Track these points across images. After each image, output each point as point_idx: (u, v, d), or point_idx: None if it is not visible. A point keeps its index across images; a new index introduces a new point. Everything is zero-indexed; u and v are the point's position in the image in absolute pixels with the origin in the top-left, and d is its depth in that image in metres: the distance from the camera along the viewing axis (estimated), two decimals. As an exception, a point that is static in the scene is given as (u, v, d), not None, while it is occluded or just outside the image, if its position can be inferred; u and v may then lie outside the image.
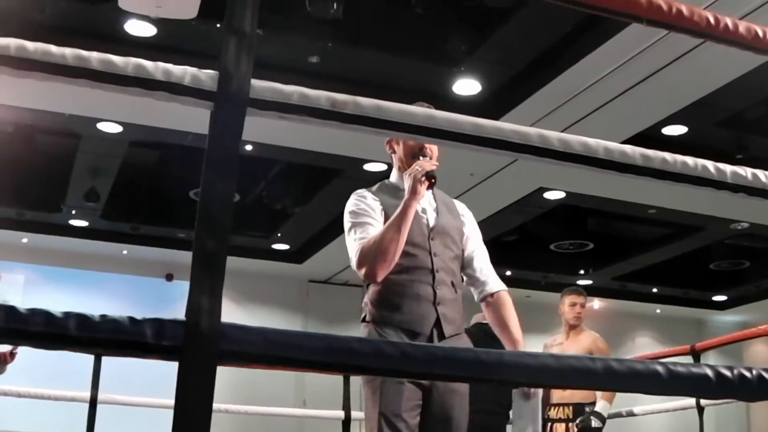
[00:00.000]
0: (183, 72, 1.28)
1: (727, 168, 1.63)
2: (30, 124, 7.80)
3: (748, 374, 1.51)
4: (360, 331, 3.15)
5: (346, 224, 3.16)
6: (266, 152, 8.17)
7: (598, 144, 1.51)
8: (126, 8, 5.39)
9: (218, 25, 5.89)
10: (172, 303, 11.88)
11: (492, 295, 3.32)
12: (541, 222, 10.53)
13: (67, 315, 1.17)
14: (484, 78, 6.98)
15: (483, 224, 10.47)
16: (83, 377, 5.62)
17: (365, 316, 3.14)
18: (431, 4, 5.94)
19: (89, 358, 5.45)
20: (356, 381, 3.66)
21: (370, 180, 3.57)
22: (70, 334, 1.16)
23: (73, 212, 10.55)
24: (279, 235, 11.47)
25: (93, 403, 5.54)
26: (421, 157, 3.09)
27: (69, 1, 6.07)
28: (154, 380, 6.26)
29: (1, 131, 7.84)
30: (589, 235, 11.37)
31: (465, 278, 3.31)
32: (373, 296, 3.12)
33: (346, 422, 6.11)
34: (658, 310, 15.01)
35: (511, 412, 4.83)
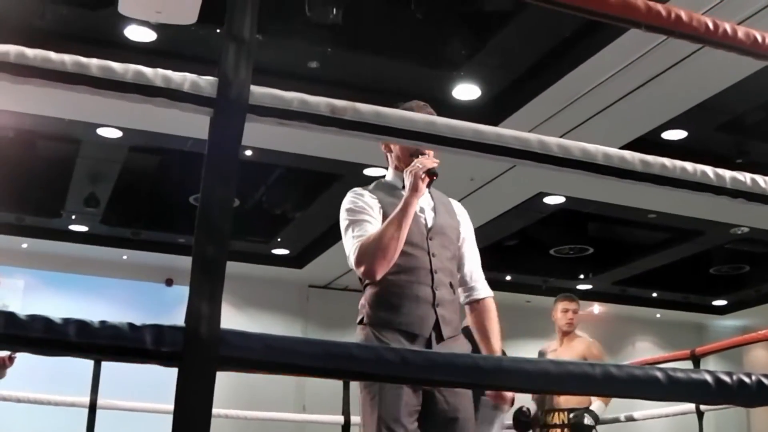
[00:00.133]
0: (182, 78, 1.28)
1: (726, 173, 1.63)
2: (30, 130, 7.81)
3: (747, 380, 1.51)
4: (356, 333, 3.11)
5: (343, 222, 3.13)
6: (266, 157, 8.17)
7: (597, 150, 1.51)
8: (126, 14, 5.39)
9: (218, 31, 5.89)
10: (172, 308, 11.89)
11: (479, 301, 3.31)
12: (541, 227, 10.52)
13: (67, 321, 1.17)
14: (483, 83, 6.98)
15: (483, 229, 10.51)
16: (83, 381, 5.61)
17: (362, 319, 3.09)
18: (431, 9, 5.95)
19: (89, 363, 5.44)
20: (356, 386, 3.66)
21: (371, 185, 3.56)
22: (70, 340, 1.16)
23: (73, 217, 10.54)
24: (279, 240, 11.47)
25: (92, 408, 5.53)
26: (420, 155, 3.07)
27: (69, 7, 6.07)
28: (153, 385, 6.26)
29: (1, 136, 7.84)
30: (589, 239, 11.37)
31: None
32: (370, 298, 3.08)
33: (346, 427, 6.09)
34: (658, 315, 15.00)
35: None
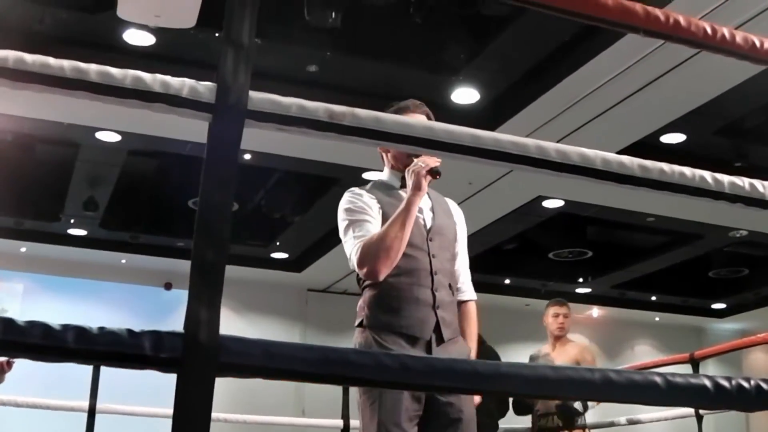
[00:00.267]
0: (181, 84, 1.28)
1: (725, 178, 1.63)
2: (28, 134, 7.81)
3: (746, 385, 1.50)
4: (355, 336, 3.08)
5: (342, 222, 3.10)
6: (265, 161, 8.17)
7: (596, 155, 1.51)
8: (125, 18, 5.40)
9: (217, 35, 5.90)
10: (171, 312, 11.89)
11: (463, 303, 3.29)
12: (540, 230, 10.52)
13: (66, 327, 1.17)
14: (482, 87, 6.99)
15: (482, 232, 10.50)
16: (82, 385, 5.61)
17: (361, 321, 3.05)
18: (430, 13, 5.95)
19: (87, 367, 5.44)
20: (355, 390, 3.66)
21: (370, 189, 3.55)
22: (69, 347, 1.16)
23: (72, 221, 10.54)
24: (278, 243, 11.47)
25: (92, 412, 5.53)
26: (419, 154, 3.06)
27: (68, 12, 6.08)
28: (152, 388, 6.25)
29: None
30: (588, 243, 11.37)
31: None
32: (369, 300, 3.05)
33: (345, 431, 6.10)
34: (657, 318, 15.00)
35: None
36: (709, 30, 1.67)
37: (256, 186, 9.26)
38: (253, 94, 1.29)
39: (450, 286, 3.15)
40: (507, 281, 13.14)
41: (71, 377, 6.04)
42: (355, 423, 5.88)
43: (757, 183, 1.67)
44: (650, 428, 8.71)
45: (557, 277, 12.67)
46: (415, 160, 3.00)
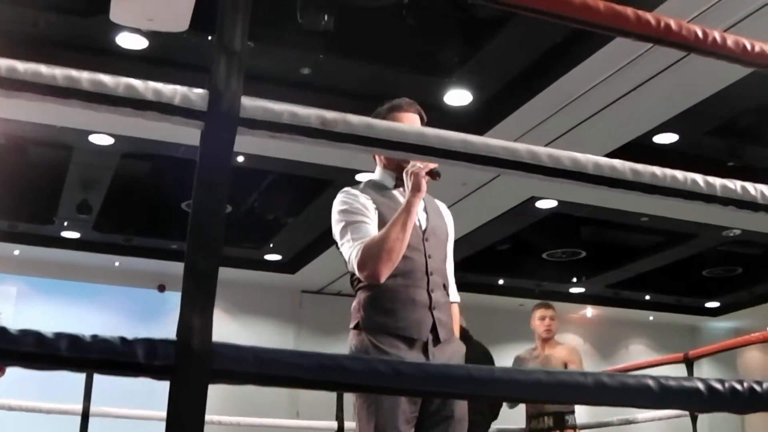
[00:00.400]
0: (173, 92, 1.28)
1: (717, 181, 1.63)
2: (21, 137, 7.80)
3: (739, 387, 1.51)
4: (350, 338, 3.05)
5: (338, 223, 3.07)
6: (258, 163, 8.17)
7: (587, 159, 1.52)
8: (117, 21, 5.39)
9: (209, 38, 5.90)
10: (164, 314, 11.89)
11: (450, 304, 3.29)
12: (533, 231, 10.54)
13: (59, 335, 1.17)
14: (475, 88, 7.00)
15: (476, 233, 10.50)
16: (75, 389, 5.60)
17: (357, 323, 3.03)
18: (422, 16, 5.96)
19: (82, 371, 5.42)
20: (350, 393, 3.66)
21: (363, 190, 3.55)
22: (62, 355, 1.16)
23: (65, 224, 10.53)
24: (271, 245, 11.46)
25: (85, 415, 5.53)
26: None
27: (61, 15, 6.07)
28: (146, 391, 6.25)
29: (-8, 144, 7.84)
30: (582, 243, 11.39)
31: None
32: (365, 302, 3.03)
33: (340, 433, 6.11)
34: (652, 317, 15.03)
35: None
36: (700, 34, 1.68)
37: (250, 188, 9.26)
38: (246, 101, 1.29)
39: (444, 286, 3.14)
40: (501, 281, 13.16)
41: (65, 380, 6.03)
42: (349, 425, 5.88)
43: (749, 186, 1.67)
44: (645, 427, 8.73)
45: (551, 277, 12.69)
46: (413, 161, 2.98)
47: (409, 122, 3.17)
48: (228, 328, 11.87)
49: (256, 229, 10.53)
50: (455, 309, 3.27)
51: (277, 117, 1.33)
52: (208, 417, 1.19)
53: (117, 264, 11.89)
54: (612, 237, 11.34)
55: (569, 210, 9.70)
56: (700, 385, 1.47)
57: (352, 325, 3.07)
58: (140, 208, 10.10)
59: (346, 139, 1.36)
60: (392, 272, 2.94)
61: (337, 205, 3.12)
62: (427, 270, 3.07)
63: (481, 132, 7.26)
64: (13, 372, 4.47)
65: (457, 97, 7.04)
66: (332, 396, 6.15)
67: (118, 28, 5.88)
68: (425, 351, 2.98)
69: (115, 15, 5.29)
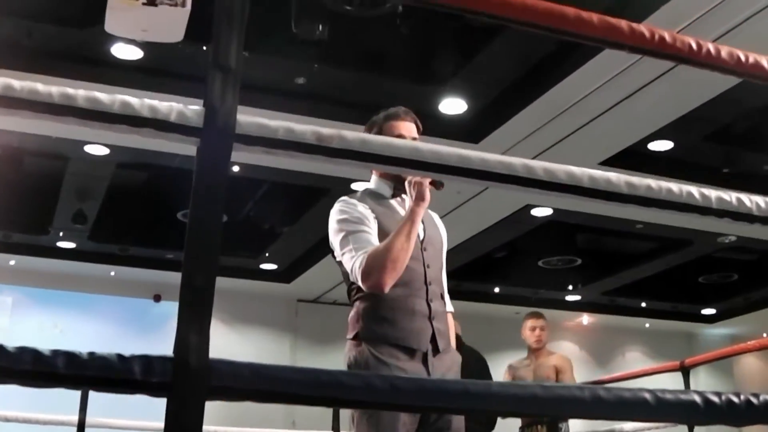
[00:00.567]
0: (169, 108, 1.29)
1: (712, 193, 1.64)
2: (17, 147, 7.79)
3: (736, 399, 1.51)
4: (349, 349, 3.02)
5: (338, 233, 3.05)
6: (253, 172, 8.17)
7: (583, 173, 1.52)
8: (112, 33, 5.38)
9: (204, 48, 5.90)
10: (160, 324, 11.87)
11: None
12: (529, 238, 10.54)
13: (56, 353, 1.17)
14: (470, 97, 7.00)
15: (471, 241, 10.47)
16: (71, 399, 5.58)
17: (356, 334, 3.01)
18: (416, 25, 5.97)
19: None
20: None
21: (359, 199, 3.54)
22: (59, 372, 1.17)
23: (61, 234, 10.52)
24: (267, 254, 11.45)
25: (81, 426, 5.52)
26: None
27: (56, 26, 6.06)
28: (144, 401, 6.24)
29: (-13, 154, 7.83)
30: (578, 250, 11.39)
31: None
32: (364, 312, 3.01)
33: (336, 443, 6.10)
34: (648, 324, 15.03)
35: None
36: (694, 45, 1.68)
37: (245, 197, 9.25)
38: (241, 118, 1.30)
39: (441, 296, 3.14)
40: (497, 289, 13.16)
41: (60, 391, 6.02)
42: (346, 435, 5.88)
43: (744, 197, 1.68)
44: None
45: (547, 284, 12.70)
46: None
47: (406, 131, 3.19)
48: (224, 338, 11.85)
49: (251, 238, 10.52)
50: (451, 318, 3.27)
51: (272, 133, 1.33)
52: (204, 428, 1.19)
53: (113, 274, 11.87)
54: (607, 244, 11.34)
55: (565, 218, 9.70)
56: (697, 398, 1.48)
57: (350, 336, 3.04)
58: (136, 218, 10.08)
59: (341, 155, 1.37)
60: None
61: (336, 214, 3.10)
62: (426, 280, 3.07)
63: (476, 140, 7.27)
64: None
65: (452, 105, 7.05)
66: (329, 406, 6.14)
67: (113, 38, 5.87)
68: (425, 361, 2.98)
69: (110, 26, 5.27)
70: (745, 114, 7.34)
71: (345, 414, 5.40)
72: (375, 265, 2.87)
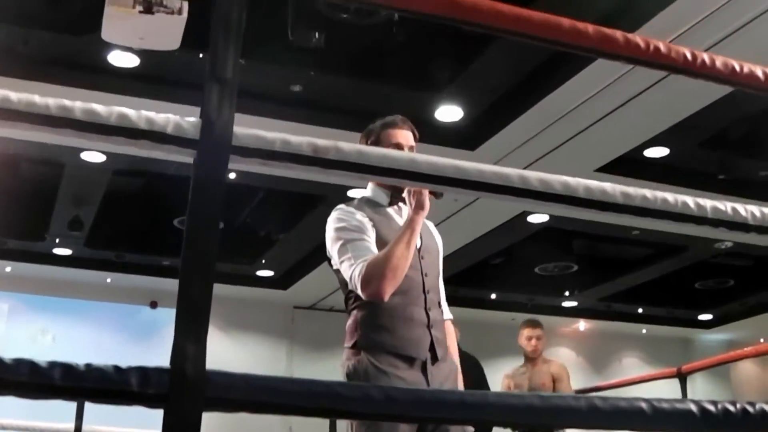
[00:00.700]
0: (166, 120, 1.29)
1: (708, 203, 1.64)
2: (13, 154, 7.78)
3: (732, 408, 1.52)
4: (346, 357, 3.01)
5: (336, 241, 3.03)
6: (250, 179, 8.16)
7: (578, 183, 1.53)
8: (109, 40, 5.39)
9: (201, 55, 5.90)
10: (156, 331, 11.86)
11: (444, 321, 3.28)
12: (525, 245, 10.54)
13: (52, 364, 1.17)
14: (466, 104, 7.00)
15: (468, 248, 10.46)
16: (67, 406, 5.57)
17: (354, 342, 2.99)
18: (413, 32, 5.97)
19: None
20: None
21: (355, 206, 3.54)
22: (55, 384, 1.17)
23: (57, 241, 10.50)
24: (263, 261, 11.45)
25: (78, 435, 5.52)
26: None
27: (52, 33, 6.06)
28: (139, 410, 6.23)
29: (-16, 161, 7.82)
30: (574, 257, 11.39)
31: None
32: (362, 320, 2.99)
33: (333, 451, 6.10)
34: (645, 330, 15.02)
35: None
36: (689, 56, 1.69)
37: (242, 204, 9.25)
38: (238, 130, 1.30)
39: (439, 304, 3.14)
40: (493, 296, 13.15)
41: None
42: (343, 442, 5.87)
43: (740, 207, 1.68)
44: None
45: (544, 291, 12.70)
46: None
47: (403, 139, 3.19)
48: (220, 345, 11.83)
49: (247, 244, 10.51)
50: (451, 325, 3.27)
51: (269, 145, 1.33)
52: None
53: (109, 280, 11.86)
54: (604, 250, 11.34)
55: (561, 224, 9.71)
56: (693, 407, 1.48)
57: (348, 344, 3.03)
58: (132, 225, 10.08)
59: (338, 166, 1.37)
60: None
61: (333, 222, 3.09)
62: (424, 288, 3.06)
63: (473, 147, 7.27)
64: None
65: (448, 113, 7.05)
66: (325, 413, 6.13)
67: (110, 46, 5.87)
68: (424, 370, 2.97)
69: (107, 34, 5.28)
70: (741, 120, 7.35)
71: (342, 422, 5.40)
72: (375, 273, 2.85)
